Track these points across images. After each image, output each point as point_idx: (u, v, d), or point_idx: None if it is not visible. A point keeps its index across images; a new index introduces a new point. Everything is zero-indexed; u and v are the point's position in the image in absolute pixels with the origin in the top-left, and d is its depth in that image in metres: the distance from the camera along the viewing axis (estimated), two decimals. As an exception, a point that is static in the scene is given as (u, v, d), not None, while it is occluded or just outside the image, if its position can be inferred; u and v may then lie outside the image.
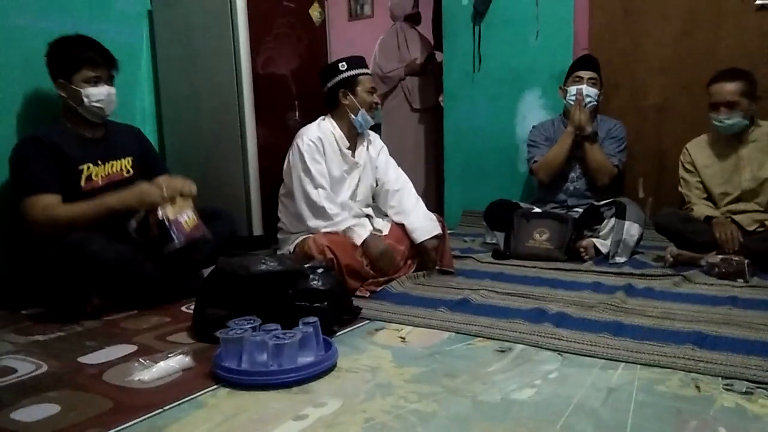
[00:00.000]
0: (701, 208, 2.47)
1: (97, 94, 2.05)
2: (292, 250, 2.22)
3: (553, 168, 2.83)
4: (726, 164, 2.47)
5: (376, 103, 2.35)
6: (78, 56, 2.04)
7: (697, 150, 2.56)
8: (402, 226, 2.37)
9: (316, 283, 1.72)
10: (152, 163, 2.29)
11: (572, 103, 2.78)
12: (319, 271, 1.75)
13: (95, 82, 2.05)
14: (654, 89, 3.01)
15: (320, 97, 2.37)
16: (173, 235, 1.93)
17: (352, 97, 2.28)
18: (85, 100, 2.04)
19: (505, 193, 3.05)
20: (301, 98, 2.76)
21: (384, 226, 2.38)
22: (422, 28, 3.97)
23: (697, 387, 1.32)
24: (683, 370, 1.41)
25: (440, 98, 3.64)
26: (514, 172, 3.31)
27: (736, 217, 2.41)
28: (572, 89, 2.80)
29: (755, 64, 2.59)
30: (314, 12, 2.77)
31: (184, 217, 1.97)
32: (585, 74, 2.80)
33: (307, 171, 2.20)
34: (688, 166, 2.58)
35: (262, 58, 2.58)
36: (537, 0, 3.16)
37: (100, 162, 2.10)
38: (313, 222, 2.17)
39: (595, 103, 2.79)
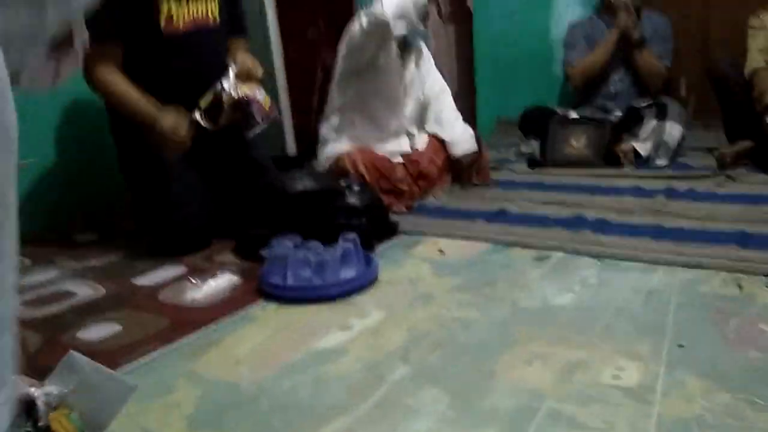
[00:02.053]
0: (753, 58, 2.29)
1: None
2: (327, 166, 2.22)
3: (593, 74, 2.71)
4: None
5: (427, 13, 2.23)
6: None
7: None
8: (439, 138, 2.34)
9: (353, 200, 1.74)
10: (234, 14, 1.99)
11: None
12: (356, 188, 1.76)
13: None
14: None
15: (345, 9, 2.29)
16: (256, 115, 1.78)
17: None
18: None
19: (540, 99, 2.96)
20: (325, 11, 2.68)
21: (422, 140, 2.35)
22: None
23: (739, 286, 1.32)
24: (725, 270, 1.40)
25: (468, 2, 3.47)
26: (550, 76, 3.19)
27: None
28: None
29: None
30: None
31: (260, 95, 1.81)
32: None
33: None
34: (755, 23, 2.35)
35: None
36: None
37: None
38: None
39: None
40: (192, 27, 1.84)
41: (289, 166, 2.18)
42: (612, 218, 1.83)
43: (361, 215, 1.73)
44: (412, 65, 2.32)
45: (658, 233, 1.67)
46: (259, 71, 1.88)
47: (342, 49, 2.18)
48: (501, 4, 3.27)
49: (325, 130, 2.29)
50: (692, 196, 2.01)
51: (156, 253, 1.82)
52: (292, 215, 1.70)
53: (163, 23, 1.79)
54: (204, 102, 1.76)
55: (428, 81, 2.37)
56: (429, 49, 2.41)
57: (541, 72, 3.22)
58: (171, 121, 1.74)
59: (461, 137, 2.33)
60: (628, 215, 1.85)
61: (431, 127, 2.38)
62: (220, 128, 1.79)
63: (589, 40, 2.74)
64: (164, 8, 1.79)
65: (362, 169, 2.02)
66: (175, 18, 1.81)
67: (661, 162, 2.46)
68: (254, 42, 2.49)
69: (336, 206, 1.73)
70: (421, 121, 2.41)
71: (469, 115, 3.51)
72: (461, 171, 2.36)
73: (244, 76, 1.81)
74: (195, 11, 1.84)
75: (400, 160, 2.25)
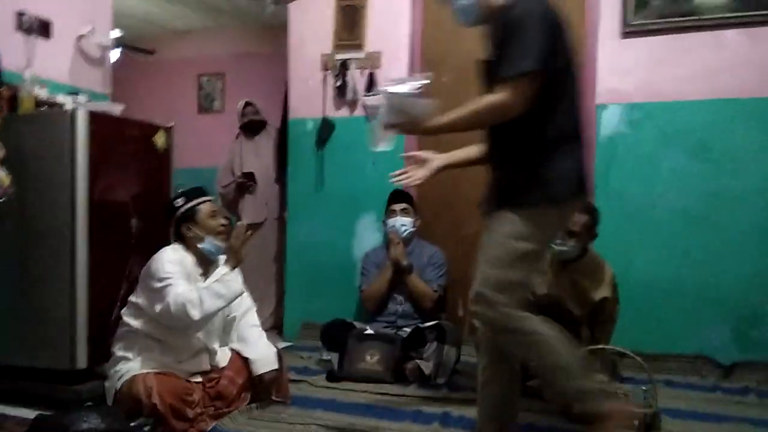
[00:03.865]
0: None
1: None
2: (118, 388, 2.15)
3: (377, 299, 3.10)
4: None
5: (224, 225, 2.38)
6: None
7: None
8: (241, 355, 2.41)
9: (143, 441, 1.71)
10: None
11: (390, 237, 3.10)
12: (146, 429, 1.75)
13: None
14: (470, 221, 3.43)
15: (162, 222, 2.40)
16: None
17: (194, 228, 2.32)
18: None
19: (342, 308, 3.24)
20: (142, 224, 2.73)
21: (225, 357, 2.41)
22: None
23: None
24: None
25: (285, 212, 3.80)
26: (352, 288, 3.51)
27: None
28: (388, 224, 3.14)
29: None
30: (159, 139, 2.81)
31: None
32: (397, 207, 3.14)
33: (173, 277, 2.17)
34: None
35: (101, 186, 2.54)
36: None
37: None
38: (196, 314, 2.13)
39: (411, 229, 3.12)
40: None
41: (74, 382, 2.06)
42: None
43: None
44: (214, 278, 2.43)
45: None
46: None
47: (146, 285, 2.24)
48: (313, 219, 3.63)
49: (118, 347, 2.25)
50: (465, 423, 2.28)
51: None
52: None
53: None
54: None
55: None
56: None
57: (345, 283, 3.54)
58: None
59: (264, 356, 2.42)
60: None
61: (235, 344, 2.46)
62: None
63: (380, 267, 3.15)
64: None
65: (156, 398, 2.00)
66: None
67: (441, 380, 2.78)
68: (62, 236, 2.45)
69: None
70: (225, 337, 2.49)
71: (277, 314, 3.68)
72: (261, 388, 2.43)
73: None
74: None
75: (198, 379, 2.28)
